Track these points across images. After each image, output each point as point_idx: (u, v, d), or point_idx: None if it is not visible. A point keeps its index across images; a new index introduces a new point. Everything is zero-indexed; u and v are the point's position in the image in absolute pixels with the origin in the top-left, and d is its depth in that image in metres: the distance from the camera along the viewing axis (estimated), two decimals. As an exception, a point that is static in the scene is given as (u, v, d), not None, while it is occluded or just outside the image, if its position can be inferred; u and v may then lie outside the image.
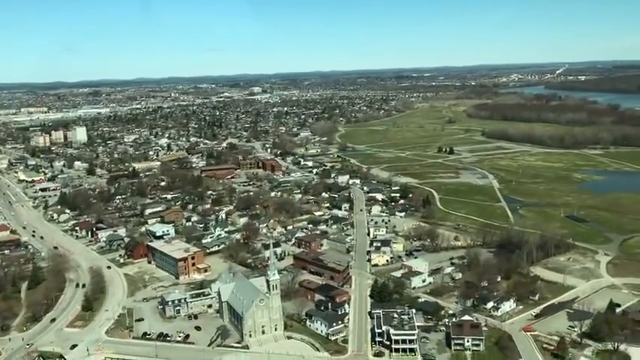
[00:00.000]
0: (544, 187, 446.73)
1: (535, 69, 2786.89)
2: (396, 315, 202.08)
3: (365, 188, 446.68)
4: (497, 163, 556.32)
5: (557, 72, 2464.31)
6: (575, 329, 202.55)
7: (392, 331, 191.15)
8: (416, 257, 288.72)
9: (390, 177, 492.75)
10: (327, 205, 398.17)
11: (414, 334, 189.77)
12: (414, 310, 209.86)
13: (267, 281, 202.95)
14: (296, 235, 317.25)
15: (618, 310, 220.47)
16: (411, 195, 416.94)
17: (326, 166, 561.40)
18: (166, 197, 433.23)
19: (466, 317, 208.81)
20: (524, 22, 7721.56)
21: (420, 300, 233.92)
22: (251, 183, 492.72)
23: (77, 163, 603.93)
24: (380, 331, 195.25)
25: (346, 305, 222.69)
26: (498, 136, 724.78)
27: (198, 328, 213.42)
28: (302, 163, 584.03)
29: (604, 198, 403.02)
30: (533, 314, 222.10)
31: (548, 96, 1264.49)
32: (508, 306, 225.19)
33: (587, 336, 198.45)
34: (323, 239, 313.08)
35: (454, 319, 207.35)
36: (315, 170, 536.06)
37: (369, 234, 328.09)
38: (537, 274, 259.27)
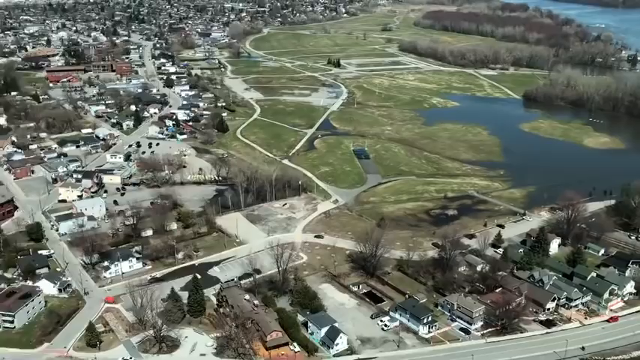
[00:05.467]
0: (381, 112, 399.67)
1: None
2: None
3: (184, 102, 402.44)
4: (371, 81, 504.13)
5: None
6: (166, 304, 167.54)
7: None
8: (123, 194, 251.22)
9: (229, 92, 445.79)
10: (115, 120, 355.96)
11: None
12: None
13: None
14: (12, 158, 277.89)
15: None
16: (228, 114, 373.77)
17: (184, 73, 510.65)
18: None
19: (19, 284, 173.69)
20: None
21: (41, 252, 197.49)
22: (78, 88, 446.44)
23: None
24: None
25: None
26: (409, 49, 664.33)
27: None
28: (163, 68, 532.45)
29: (426, 129, 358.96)
30: (150, 278, 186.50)
31: (516, 6, 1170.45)
32: (127, 266, 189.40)
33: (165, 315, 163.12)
34: (37, 164, 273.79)
35: None
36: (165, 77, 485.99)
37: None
38: (220, 224, 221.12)
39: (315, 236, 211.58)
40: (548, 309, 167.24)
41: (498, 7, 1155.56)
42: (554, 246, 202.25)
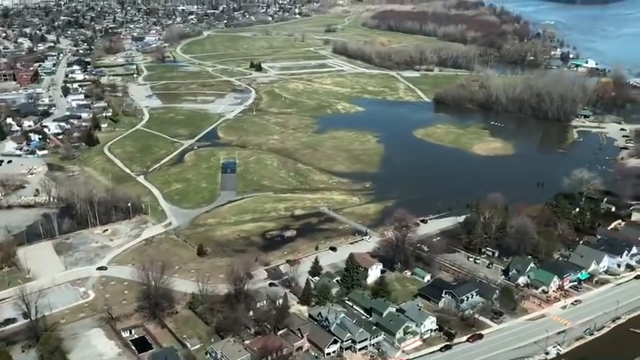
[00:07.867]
0: (278, 120, 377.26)
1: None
2: None
3: (66, 113, 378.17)
4: (286, 85, 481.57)
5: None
6: None
7: None
8: None
9: (125, 100, 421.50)
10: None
11: None
12: None
13: None
14: None
15: None
16: (109, 124, 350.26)
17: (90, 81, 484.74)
18: None
19: None
20: None
21: None
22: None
23: None
24: None
25: None
26: (341, 51, 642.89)
27: None
28: (71, 76, 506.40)
29: (314, 138, 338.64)
30: None
31: (471, 4, 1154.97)
32: None
33: None
34: None
35: None
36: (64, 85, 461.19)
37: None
38: (20, 256, 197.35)
39: (98, 269, 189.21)
40: (329, 354, 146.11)
41: (453, 4, 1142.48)
42: (376, 272, 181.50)
